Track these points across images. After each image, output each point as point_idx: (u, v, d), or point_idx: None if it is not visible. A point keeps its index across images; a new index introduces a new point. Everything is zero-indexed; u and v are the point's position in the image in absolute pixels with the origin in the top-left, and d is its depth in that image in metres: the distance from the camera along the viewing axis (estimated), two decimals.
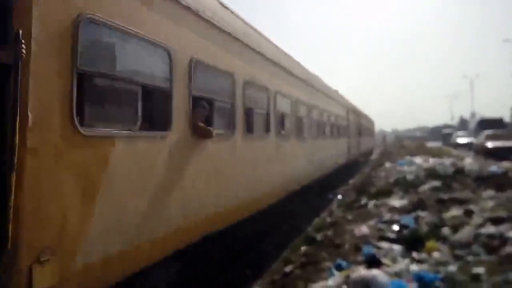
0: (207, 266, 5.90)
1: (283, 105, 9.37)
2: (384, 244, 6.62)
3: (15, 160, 2.67)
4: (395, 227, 7.53)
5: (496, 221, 7.17)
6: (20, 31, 2.70)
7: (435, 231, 6.98)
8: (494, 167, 13.83)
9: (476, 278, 5.09)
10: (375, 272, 5.08)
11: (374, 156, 37.77)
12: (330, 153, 16.07)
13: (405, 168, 16.12)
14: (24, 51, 2.71)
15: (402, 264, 5.69)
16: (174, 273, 4.84)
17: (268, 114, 8.20)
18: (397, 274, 5.25)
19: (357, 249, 6.62)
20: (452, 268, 5.44)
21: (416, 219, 7.93)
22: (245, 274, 6.96)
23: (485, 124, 36.30)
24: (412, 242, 6.51)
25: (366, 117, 34.58)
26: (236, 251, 7.05)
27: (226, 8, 6.34)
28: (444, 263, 5.64)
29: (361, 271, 5.19)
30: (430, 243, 6.35)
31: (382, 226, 7.79)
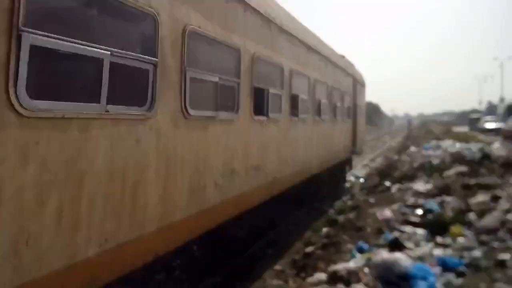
0: (230, 244, 5.97)
1: None
2: (407, 228, 6.57)
3: None
4: (419, 211, 7.44)
5: None
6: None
7: (460, 216, 6.87)
8: None
9: (502, 264, 5.02)
10: (397, 255, 5.06)
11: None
12: None
13: (431, 152, 15.83)
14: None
15: (426, 248, 5.65)
16: (196, 250, 4.92)
17: None
18: (420, 258, 5.22)
19: (379, 232, 6.59)
20: (477, 253, 5.37)
21: (441, 203, 7.81)
22: (266, 252, 7.03)
23: None
24: (436, 227, 6.43)
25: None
26: (258, 230, 7.11)
27: None
28: (469, 248, 5.57)
29: (384, 254, 5.18)
30: (454, 228, 6.27)
31: (405, 210, 7.71)
